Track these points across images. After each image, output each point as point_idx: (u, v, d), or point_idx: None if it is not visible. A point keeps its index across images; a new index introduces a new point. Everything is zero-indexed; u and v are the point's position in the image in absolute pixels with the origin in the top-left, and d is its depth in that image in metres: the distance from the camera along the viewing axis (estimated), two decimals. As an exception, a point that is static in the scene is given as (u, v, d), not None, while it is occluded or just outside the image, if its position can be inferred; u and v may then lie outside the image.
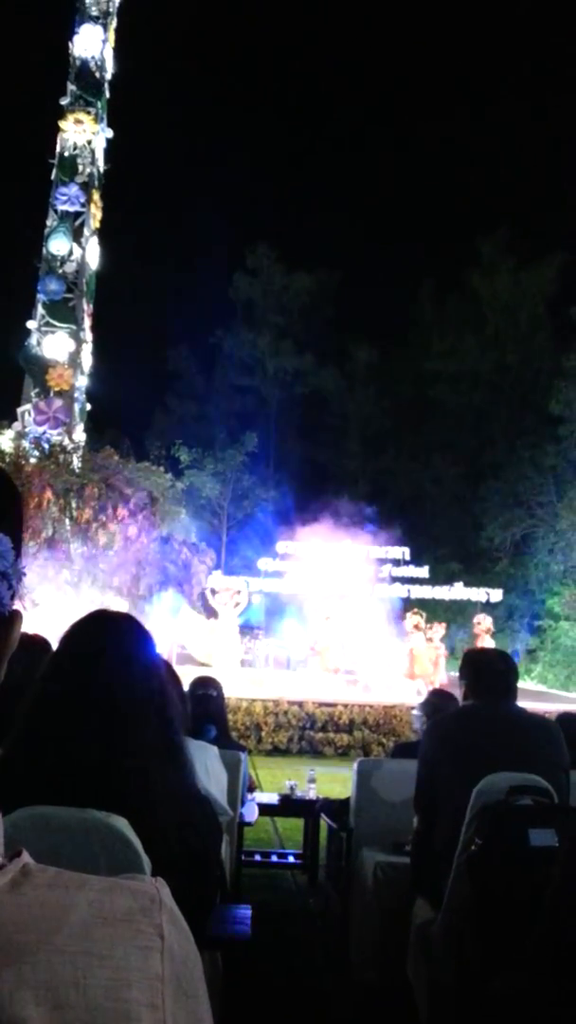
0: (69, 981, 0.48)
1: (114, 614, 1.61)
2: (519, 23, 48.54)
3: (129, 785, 1.37)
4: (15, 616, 0.63)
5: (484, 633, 17.99)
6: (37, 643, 2.65)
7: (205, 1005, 0.56)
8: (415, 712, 4.57)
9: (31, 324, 23.97)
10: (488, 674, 2.99)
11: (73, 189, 24.11)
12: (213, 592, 19.02)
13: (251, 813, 4.59)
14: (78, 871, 0.57)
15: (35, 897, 0.51)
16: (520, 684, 3.19)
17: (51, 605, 15.05)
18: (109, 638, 1.51)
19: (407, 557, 23.14)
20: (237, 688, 14.19)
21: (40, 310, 23.89)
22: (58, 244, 23.86)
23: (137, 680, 1.46)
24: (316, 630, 18.25)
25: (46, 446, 21.67)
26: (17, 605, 0.63)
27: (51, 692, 1.44)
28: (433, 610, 19.80)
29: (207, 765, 2.78)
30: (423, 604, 20.84)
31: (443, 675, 16.55)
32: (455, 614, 25.55)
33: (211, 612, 21.41)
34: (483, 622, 18.14)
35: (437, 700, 4.19)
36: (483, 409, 34.30)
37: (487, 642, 17.59)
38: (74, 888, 0.52)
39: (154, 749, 1.42)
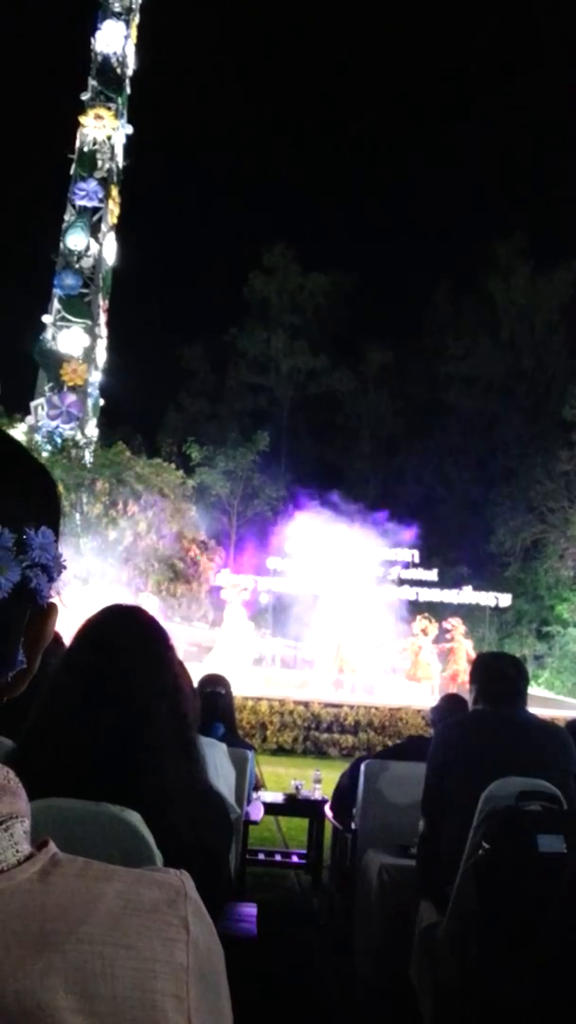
0: (97, 970, 0.49)
1: (128, 609, 1.61)
2: (543, 25, 48.33)
3: (143, 780, 1.37)
4: (52, 608, 0.63)
5: (461, 636, 17.79)
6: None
7: (227, 997, 0.57)
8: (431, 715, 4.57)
9: (47, 318, 24.04)
10: (498, 679, 2.98)
11: (92, 184, 24.18)
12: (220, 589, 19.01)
13: (257, 812, 4.59)
14: None
15: (64, 887, 0.52)
16: (528, 690, 3.18)
17: (61, 600, 15.08)
18: (124, 633, 1.52)
19: (416, 559, 23.09)
20: (246, 686, 14.21)
21: (56, 305, 23.96)
22: (75, 239, 23.93)
23: (152, 675, 1.46)
24: (327, 631, 18.22)
25: (58, 440, 21.74)
26: (54, 598, 0.63)
27: (66, 686, 1.45)
28: (441, 613, 19.73)
29: (216, 762, 2.79)
30: (431, 607, 20.79)
31: (463, 665, 16.27)
32: (463, 618, 25.47)
33: (220, 608, 21.41)
34: (458, 626, 18.00)
35: (448, 705, 4.18)
36: (496, 413, 34.21)
37: (462, 644, 17.48)
38: (103, 879, 0.53)
39: (168, 744, 1.43)
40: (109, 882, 0.53)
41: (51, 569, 0.60)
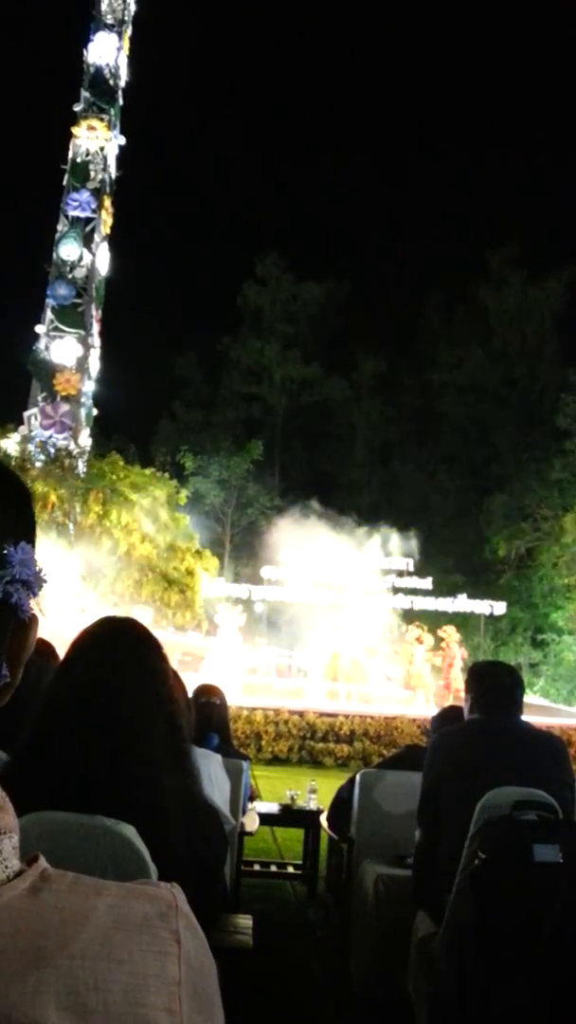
0: (89, 986, 0.48)
1: (122, 621, 1.61)
2: (534, 33, 48.75)
3: (137, 792, 1.37)
4: (32, 620, 0.64)
5: (455, 644, 17.75)
6: (43, 649, 2.64)
7: (219, 1010, 0.57)
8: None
9: (40, 328, 24.06)
10: (494, 688, 2.98)
11: (84, 195, 24.25)
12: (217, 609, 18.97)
13: (252, 823, 4.58)
14: None
15: (55, 902, 0.51)
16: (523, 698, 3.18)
17: (53, 611, 15.07)
18: (118, 646, 1.51)
19: (411, 568, 23.10)
20: (241, 697, 14.20)
21: (49, 315, 23.99)
22: (68, 249, 23.98)
23: (146, 687, 1.46)
24: (321, 640, 18.20)
25: (52, 450, 21.71)
26: (34, 608, 0.64)
27: (61, 699, 1.44)
28: (436, 622, 19.73)
29: (211, 773, 2.77)
30: (426, 616, 20.79)
31: (458, 679, 16.26)
32: (457, 626, 25.48)
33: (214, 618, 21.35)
34: (451, 634, 17.97)
35: (448, 717, 4.17)
36: (489, 422, 34.32)
37: (455, 653, 17.47)
38: (93, 893, 0.53)
39: (162, 757, 1.42)
40: (100, 896, 0.53)
41: (32, 584, 0.61)
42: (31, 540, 0.63)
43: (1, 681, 0.60)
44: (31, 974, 0.47)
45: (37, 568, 0.61)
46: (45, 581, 0.62)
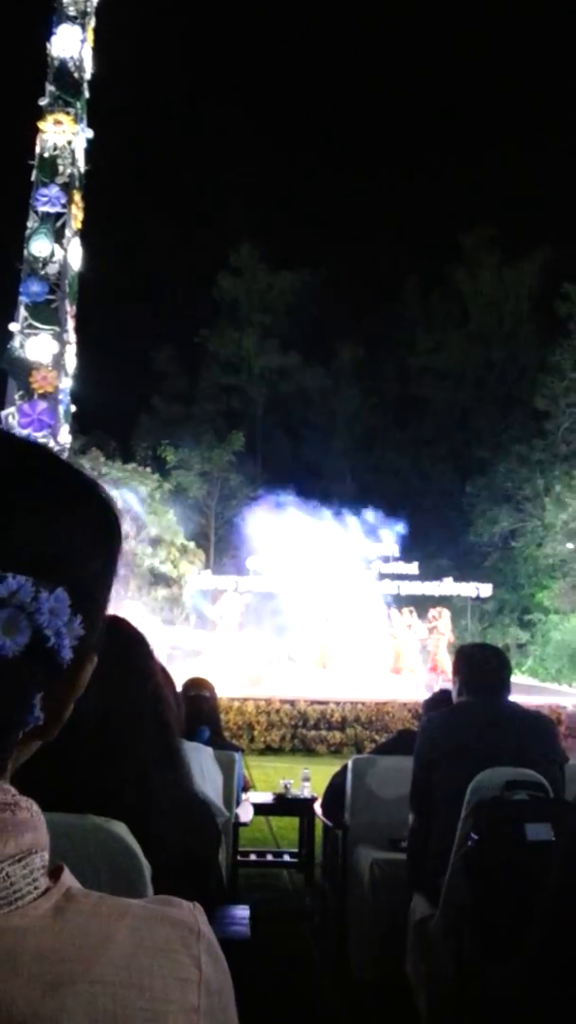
0: (109, 1011, 0.49)
1: (108, 619, 1.60)
2: (499, 14, 48.66)
3: (127, 790, 1.36)
4: (85, 659, 0.62)
5: (442, 626, 17.82)
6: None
7: None
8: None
9: (13, 327, 23.83)
10: (481, 670, 3.00)
11: (54, 190, 24.01)
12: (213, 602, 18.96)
13: (246, 813, 4.59)
14: (78, 878, 0.58)
15: (78, 925, 0.52)
16: (512, 678, 3.20)
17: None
18: (105, 643, 1.50)
19: (396, 554, 23.18)
20: (244, 689, 14.25)
21: (22, 312, 23.76)
22: (39, 245, 23.75)
23: (132, 684, 1.45)
24: (310, 628, 18.25)
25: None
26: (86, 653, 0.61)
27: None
28: (423, 606, 19.82)
29: (202, 767, 2.77)
30: (413, 600, 20.88)
31: (445, 661, 16.34)
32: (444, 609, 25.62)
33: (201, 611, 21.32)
34: (441, 616, 18.04)
35: (440, 700, 4.19)
36: (469, 405, 34.42)
37: (443, 635, 17.57)
38: (116, 916, 0.54)
39: (151, 753, 1.42)
40: (123, 919, 0.53)
41: (63, 636, 0.57)
42: (100, 576, 0.61)
43: (31, 724, 0.58)
44: (53, 997, 0.48)
45: (69, 619, 0.57)
46: (80, 633, 0.58)
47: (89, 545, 0.61)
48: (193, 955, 0.54)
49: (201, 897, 1.57)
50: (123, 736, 1.39)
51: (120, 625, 1.58)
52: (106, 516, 0.64)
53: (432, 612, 18.16)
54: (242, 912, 2.39)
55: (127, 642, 1.53)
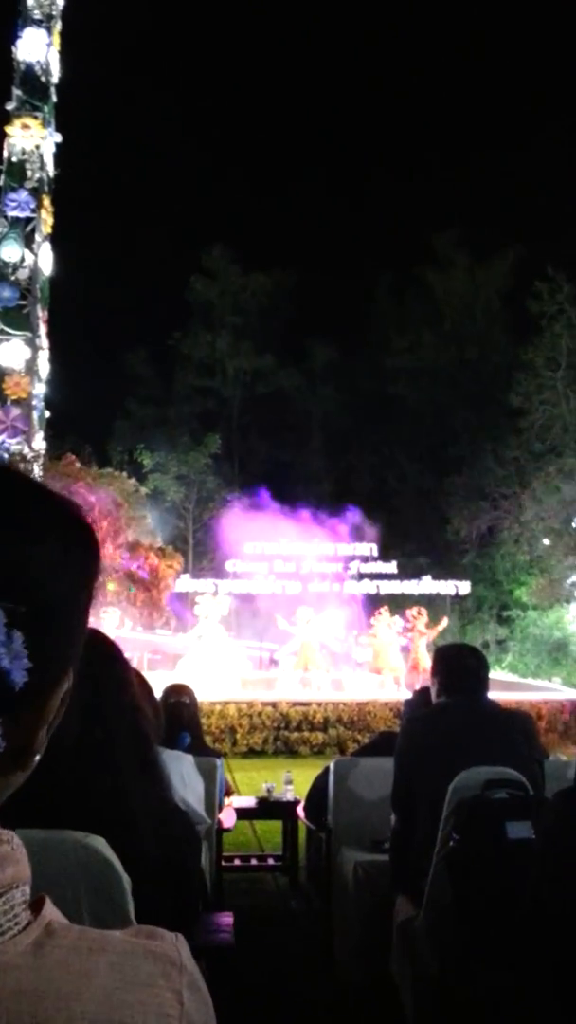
0: None
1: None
2: (467, 15, 49.02)
3: (105, 804, 1.35)
4: (57, 682, 0.59)
5: (425, 627, 17.87)
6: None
7: None
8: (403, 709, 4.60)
9: (-15, 333, 23.66)
10: (460, 671, 3.02)
11: (23, 195, 23.85)
12: (195, 604, 18.85)
13: (229, 819, 4.58)
14: (57, 894, 0.57)
15: (58, 960, 0.52)
16: (492, 675, 3.23)
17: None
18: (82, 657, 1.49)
19: (375, 553, 23.23)
20: (228, 692, 14.23)
21: (-6, 318, 23.59)
22: (9, 251, 23.59)
23: (109, 699, 1.45)
24: (290, 630, 18.23)
25: (5, 456, 21.42)
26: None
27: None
28: (402, 605, 19.88)
29: (183, 774, 2.77)
30: (392, 599, 20.94)
31: (425, 659, 16.38)
32: (424, 607, 25.71)
33: (181, 615, 21.24)
34: (421, 615, 18.10)
35: (421, 699, 4.21)
36: (444, 404, 34.59)
37: (424, 634, 17.64)
38: (97, 951, 0.53)
39: (129, 766, 1.41)
40: (103, 954, 0.53)
41: (11, 674, 0.54)
42: (68, 607, 0.59)
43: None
44: None
45: (17, 655, 0.54)
46: (25, 674, 0.55)
47: (53, 567, 0.58)
48: (175, 989, 0.53)
49: (183, 907, 1.56)
50: (100, 750, 1.38)
51: (95, 636, 1.57)
52: (76, 537, 0.62)
53: (410, 612, 18.21)
54: (226, 919, 2.38)
55: (103, 655, 1.52)
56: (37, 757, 0.60)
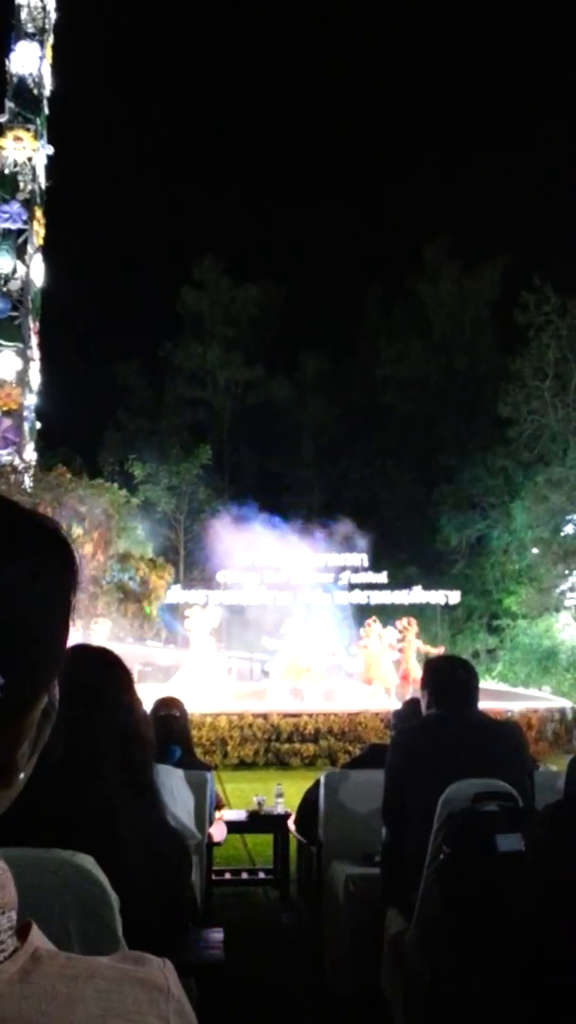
0: None
1: (79, 649, 1.58)
2: (456, 24, 49.44)
3: (94, 823, 1.35)
4: (30, 707, 0.58)
5: (412, 637, 17.86)
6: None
7: None
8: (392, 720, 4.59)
9: (-24, 344, 23.64)
10: (450, 683, 3.02)
11: (15, 207, 23.89)
12: (185, 617, 18.75)
13: (220, 832, 4.56)
14: (45, 913, 0.56)
15: (44, 989, 0.51)
16: (482, 684, 3.23)
17: None
18: (73, 673, 1.49)
19: (365, 563, 23.24)
20: (214, 703, 14.18)
21: (-15, 330, 23.58)
22: (1, 262, 23.61)
23: (103, 716, 1.44)
24: (281, 641, 18.19)
25: (-4, 467, 21.35)
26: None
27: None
28: (392, 615, 19.88)
29: (173, 789, 2.76)
30: (383, 609, 20.93)
31: (415, 669, 16.36)
32: (415, 617, 25.71)
33: (172, 626, 21.16)
34: (412, 625, 18.09)
35: (411, 711, 4.21)
36: (433, 414, 34.72)
37: (412, 644, 17.63)
38: (83, 979, 0.52)
39: (119, 785, 1.41)
40: (90, 981, 0.52)
41: None
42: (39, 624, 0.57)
43: None
44: None
45: None
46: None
47: (24, 584, 0.58)
48: (162, 1016, 0.53)
49: (172, 925, 1.56)
50: (90, 768, 1.38)
51: (91, 655, 1.56)
52: (50, 553, 0.61)
53: (400, 623, 18.20)
54: (216, 935, 2.37)
55: (96, 673, 1.51)
56: (23, 776, 0.59)
